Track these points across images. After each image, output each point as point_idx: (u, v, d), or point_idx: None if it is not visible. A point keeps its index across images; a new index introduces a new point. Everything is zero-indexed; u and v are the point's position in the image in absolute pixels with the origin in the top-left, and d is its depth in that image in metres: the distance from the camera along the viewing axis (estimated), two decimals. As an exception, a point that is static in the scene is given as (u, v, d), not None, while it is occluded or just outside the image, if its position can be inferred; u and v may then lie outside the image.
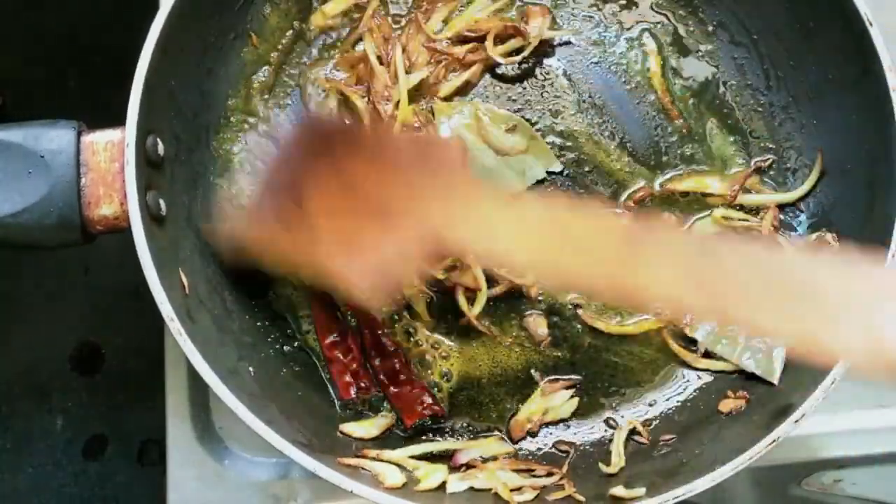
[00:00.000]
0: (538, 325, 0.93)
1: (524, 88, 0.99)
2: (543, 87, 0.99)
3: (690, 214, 0.96)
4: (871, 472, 1.02)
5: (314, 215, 0.80)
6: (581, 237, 0.70)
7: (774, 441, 0.79)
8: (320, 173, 0.81)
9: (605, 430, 0.92)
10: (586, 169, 0.96)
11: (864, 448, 1.00)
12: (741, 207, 0.96)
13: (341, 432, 0.88)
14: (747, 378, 0.91)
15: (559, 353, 0.93)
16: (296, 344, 0.92)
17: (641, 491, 0.81)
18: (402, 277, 0.81)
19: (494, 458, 0.88)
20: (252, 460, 0.94)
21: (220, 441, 0.94)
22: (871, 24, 0.86)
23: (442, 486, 0.84)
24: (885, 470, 1.02)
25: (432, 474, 0.85)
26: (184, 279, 0.83)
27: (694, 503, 0.81)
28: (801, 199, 0.96)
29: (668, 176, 0.97)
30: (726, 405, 0.89)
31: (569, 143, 0.97)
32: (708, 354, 0.93)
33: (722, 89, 0.99)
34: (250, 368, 0.86)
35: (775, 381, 0.88)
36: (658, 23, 1.00)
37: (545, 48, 0.99)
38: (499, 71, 0.99)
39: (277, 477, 0.94)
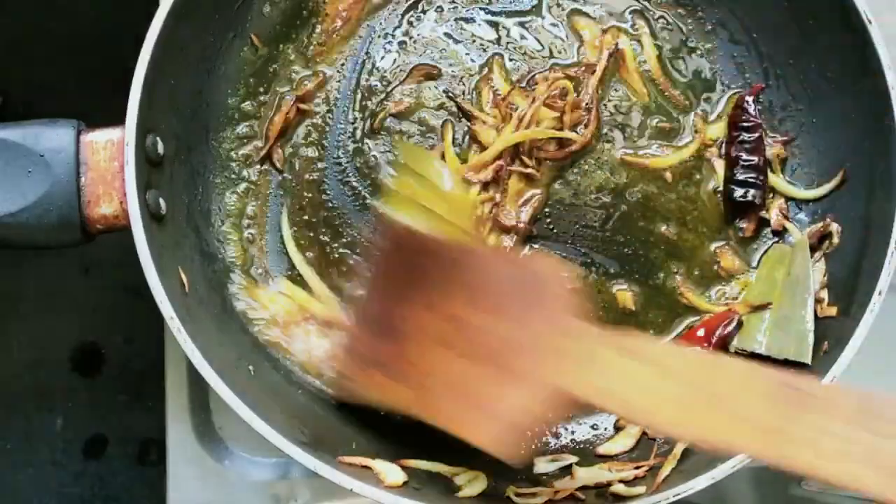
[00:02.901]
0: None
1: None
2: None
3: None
4: (871, 471, 1.02)
5: (416, 358, 0.75)
6: (724, 391, 0.63)
7: (774, 439, 0.79)
8: (416, 305, 0.76)
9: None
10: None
11: (865, 447, 1.00)
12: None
13: (598, 454, 0.89)
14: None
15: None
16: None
17: (641, 489, 0.81)
18: (526, 426, 0.73)
19: None
20: (252, 460, 0.94)
21: (220, 441, 0.94)
22: (870, 23, 0.86)
23: (482, 495, 0.84)
24: (885, 470, 1.02)
25: (474, 481, 0.85)
26: (184, 278, 0.83)
27: (694, 503, 0.81)
28: (813, 200, 0.95)
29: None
30: None
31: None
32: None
33: (721, 87, 0.99)
34: (250, 367, 0.86)
35: (808, 361, 0.87)
36: (658, 19, 1.00)
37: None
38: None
39: (277, 477, 0.94)
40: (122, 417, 1.43)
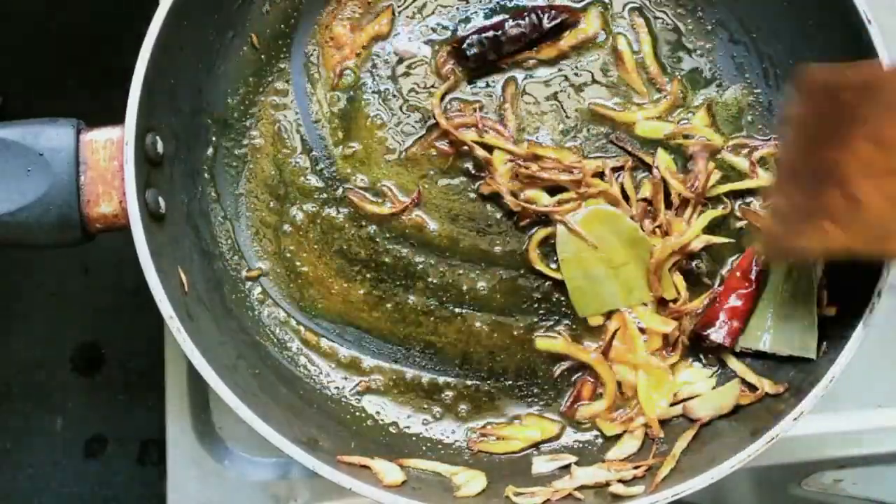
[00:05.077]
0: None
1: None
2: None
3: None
4: (871, 472, 1.03)
5: (858, 189, 0.76)
6: None
7: (773, 439, 0.79)
8: (848, 138, 0.76)
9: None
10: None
11: (864, 448, 1.00)
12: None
13: (605, 459, 0.88)
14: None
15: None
16: (295, 341, 0.92)
17: (640, 489, 0.81)
18: None
19: None
20: (252, 460, 0.94)
21: (220, 441, 0.94)
22: (870, 23, 0.86)
23: (482, 493, 0.84)
24: (885, 470, 1.02)
25: (472, 481, 0.85)
26: (183, 277, 0.83)
27: (693, 503, 0.81)
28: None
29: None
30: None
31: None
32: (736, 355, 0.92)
33: (721, 87, 0.99)
34: (250, 367, 0.86)
35: (813, 357, 0.87)
36: (657, 19, 1.00)
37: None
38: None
39: (277, 477, 0.94)
40: (121, 417, 1.44)
